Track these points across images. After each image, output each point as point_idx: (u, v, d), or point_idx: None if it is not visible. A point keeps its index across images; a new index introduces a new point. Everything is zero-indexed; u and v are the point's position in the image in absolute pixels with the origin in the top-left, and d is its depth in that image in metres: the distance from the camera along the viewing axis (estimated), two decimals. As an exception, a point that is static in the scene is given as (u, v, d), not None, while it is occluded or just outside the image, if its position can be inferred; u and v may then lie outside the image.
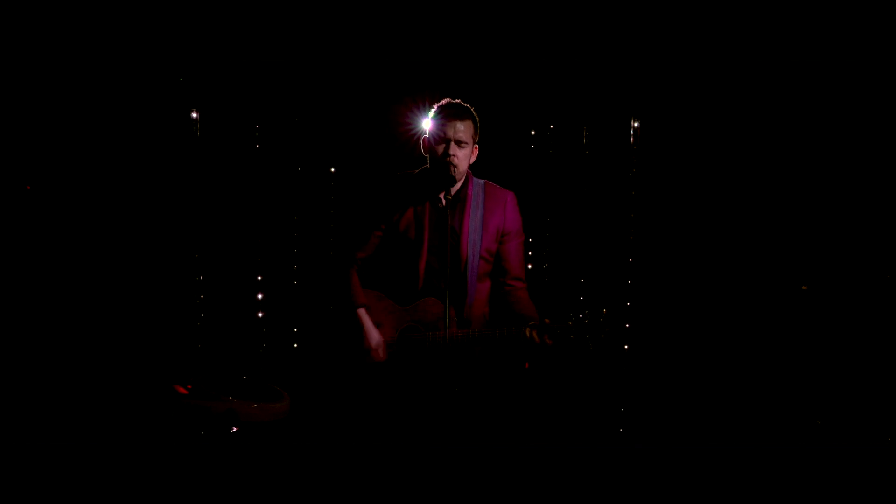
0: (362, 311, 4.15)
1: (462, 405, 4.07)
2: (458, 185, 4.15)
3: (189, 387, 4.65)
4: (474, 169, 4.23)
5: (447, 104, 4.11)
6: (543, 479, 4.08)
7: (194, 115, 5.40)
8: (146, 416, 4.59)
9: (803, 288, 5.23)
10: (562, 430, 5.18)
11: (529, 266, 5.33)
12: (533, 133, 5.47)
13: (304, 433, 4.72)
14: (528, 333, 3.95)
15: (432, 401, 4.03)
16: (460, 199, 4.15)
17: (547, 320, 3.96)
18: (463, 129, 4.04)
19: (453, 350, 4.03)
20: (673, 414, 5.27)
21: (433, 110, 4.11)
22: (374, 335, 4.12)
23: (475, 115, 4.10)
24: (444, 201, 4.07)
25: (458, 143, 4.04)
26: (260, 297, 5.51)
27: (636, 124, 5.36)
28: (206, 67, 5.41)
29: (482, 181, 4.21)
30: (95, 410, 4.84)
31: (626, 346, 5.36)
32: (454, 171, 4.05)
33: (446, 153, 4.04)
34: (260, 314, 5.51)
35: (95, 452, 4.27)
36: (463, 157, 4.06)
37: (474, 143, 4.10)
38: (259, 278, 5.51)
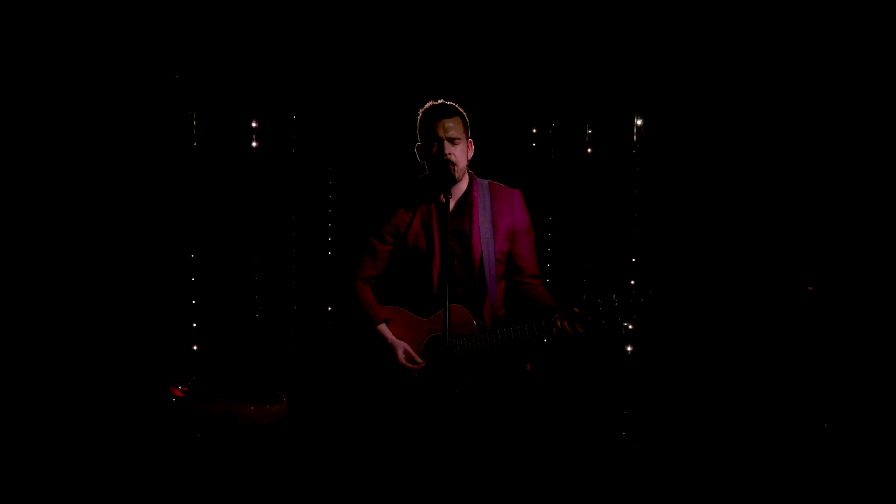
0: (383, 327, 4.14)
1: (470, 407, 4.06)
2: (463, 187, 4.13)
3: (186, 389, 4.64)
4: (477, 169, 4.20)
5: (430, 107, 4.10)
6: (544, 480, 4.05)
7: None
8: (143, 418, 4.58)
9: (809, 289, 5.21)
10: (563, 431, 5.16)
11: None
12: (535, 131, 5.44)
13: (302, 435, 4.70)
14: (558, 324, 3.92)
15: (448, 404, 4.00)
16: (467, 202, 4.13)
17: (576, 309, 3.92)
18: (452, 126, 4.03)
19: (484, 354, 4.01)
20: (676, 415, 5.25)
21: (419, 117, 4.11)
22: (399, 345, 4.10)
23: (461, 110, 4.10)
24: (449, 204, 4.01)
25: (451, 140, 4.03)
26: (256, 297, 5.48)
27: (639, 122, 5.34)
28: (203, 64, 5.37)
29: (486, 181, 4.19)
30: (92, 413, 4.82)
31: (628, 348, 5.34)
32: (454, 170, 4.03)
33: (442, 153, 4.02)
34: (257, 315, 5.48)
35: (92, 455, 4.24)
36: (459, 154, 4.04)
37: (467, 137, 4.10)
38: (256, 279, 5.48)
